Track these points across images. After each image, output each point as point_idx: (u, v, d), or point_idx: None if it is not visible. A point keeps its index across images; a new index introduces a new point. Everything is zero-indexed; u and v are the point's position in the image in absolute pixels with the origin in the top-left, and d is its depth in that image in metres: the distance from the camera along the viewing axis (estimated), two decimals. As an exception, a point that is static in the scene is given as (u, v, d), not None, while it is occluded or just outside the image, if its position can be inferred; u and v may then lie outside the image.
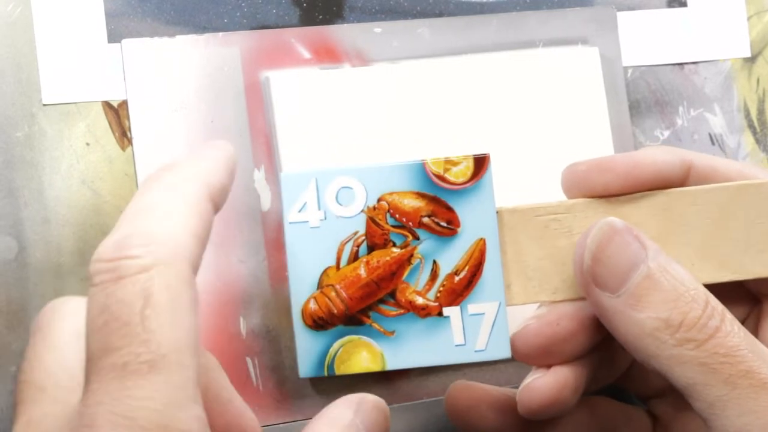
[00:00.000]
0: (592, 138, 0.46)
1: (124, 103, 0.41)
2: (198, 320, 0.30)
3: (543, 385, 0.37)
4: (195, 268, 0.31)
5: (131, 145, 0.41)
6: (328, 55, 0.44)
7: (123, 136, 0.41)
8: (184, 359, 0.29)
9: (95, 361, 0.28)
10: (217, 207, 0.34)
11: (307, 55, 0.43)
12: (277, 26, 0.44)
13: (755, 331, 0.40)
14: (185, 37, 0.42)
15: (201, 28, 0.42)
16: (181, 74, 0.42)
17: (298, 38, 0.43)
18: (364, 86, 0.44)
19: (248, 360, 0.42)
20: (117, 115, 0.41)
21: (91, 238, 0.40)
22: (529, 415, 0.38)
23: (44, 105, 0.40)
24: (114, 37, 0.41)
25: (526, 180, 0.45)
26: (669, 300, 0.34)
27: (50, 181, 0.40)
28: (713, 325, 0.34)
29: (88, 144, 0.40)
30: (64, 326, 0.34)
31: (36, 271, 0.39)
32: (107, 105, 0.41)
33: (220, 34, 0.42)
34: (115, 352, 0.28)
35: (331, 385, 0.42)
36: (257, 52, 0.43)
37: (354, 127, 0.43)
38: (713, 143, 0.50)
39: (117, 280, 0.29)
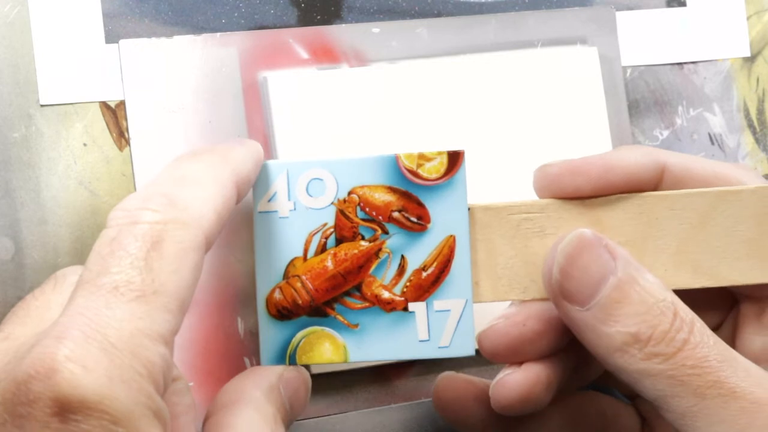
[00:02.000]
0: (591, 138, 0.46)
1: (121, 104, 0.41)
2: (194, 287, 0.31)
3: (514, 381, 0.37)
4: (208, 243, 0.32)
5: (129, 145, 0.41)
6: (326, 56, 0.44)
7: (120, 136, 0.41)
8: (170, 305, 0.29)
9: (88, 280, 0.29)
10: (240, 195, 0.35)
11: (305, 55, 0.44)
12: (275, 26, 0.44)
13: (734, 332, 0.39)
14: (183, 38, 0.42)
15: (199, 28, 0.43)
16: (178, 75, 0.42)
17: (296, 38, 0.43)
18: (363, 86, 0.44)
19: (246, 360, 0.42)
20: (114, 115, 0.41)
21: (88, 239, 0.40)
22: (502, 411, 0.38)
23: (41, 105, 0.40)
24: (111, 37, 0.41)
25: (526, 180, 0.45)
26: (638, 313, 0.34)
27: (47, 182, 0.40)
28: (681, 338, 0.34)
29: (85, 144, 0.40)
30: (75, 279, 0.34)
31: (33, 272, 0.39)
32: (105, 105, 0.41)
33: (218, 34, 0.42)
34: (110, 275, 0.29)
35: (329, 385, 0.42)
36: (255, 52, 0.43)
37: (352, 128, 0.43)
38: (713, 143, 0.50)
39: (132, 224, 0.30)
